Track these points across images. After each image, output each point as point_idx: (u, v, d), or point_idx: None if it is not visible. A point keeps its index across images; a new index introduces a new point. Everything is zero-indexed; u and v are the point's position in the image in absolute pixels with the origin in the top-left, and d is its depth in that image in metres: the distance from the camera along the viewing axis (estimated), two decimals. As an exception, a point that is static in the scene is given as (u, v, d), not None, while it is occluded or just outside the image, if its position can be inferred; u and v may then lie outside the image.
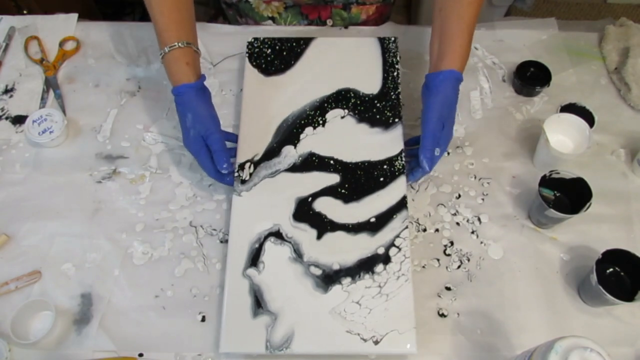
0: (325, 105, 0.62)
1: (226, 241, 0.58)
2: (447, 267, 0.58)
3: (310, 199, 0.56)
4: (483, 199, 0.62)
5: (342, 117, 0.62)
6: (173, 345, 0.53)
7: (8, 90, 0.71)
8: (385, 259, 0.53)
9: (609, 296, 0.50)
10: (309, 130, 0.61)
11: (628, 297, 0.51)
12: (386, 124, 0.61)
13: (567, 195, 0.59)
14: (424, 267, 0.57)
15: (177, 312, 0.55)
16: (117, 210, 0.61)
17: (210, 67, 0.72)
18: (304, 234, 0.54)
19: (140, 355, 0.53)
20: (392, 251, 0.53)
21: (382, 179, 0.57)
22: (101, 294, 0.56)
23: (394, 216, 0.55)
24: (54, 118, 0.65)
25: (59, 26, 0.76)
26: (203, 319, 0.54)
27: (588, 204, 0.55)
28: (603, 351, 0.39)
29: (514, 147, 0.66)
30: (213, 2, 0.86)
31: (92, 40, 0.75)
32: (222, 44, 0.74)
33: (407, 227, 0.55)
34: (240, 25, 0.77)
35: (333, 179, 0.57)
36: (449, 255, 0.58)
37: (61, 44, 0.74)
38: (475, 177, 0.64)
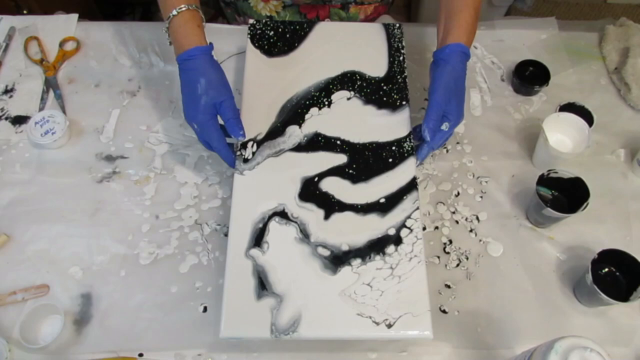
0: (331, 86, 0.61)
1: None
2: (446, 265, 0.58)
3: (316, 178, 0.54)
4: (482, 197, 0.62)
5: (348, 99, 0.60)
6: (174, 342, 0.53)
7: (8, 91, 0.71)
8: (397, 240, 0.51)
9: (603, 296, 0.50)
10: (314, 110, 0.59)
11: (623, 298, 0.51)
12: (393, 107, 0.60)
13: (565, 194, 0.59)
14: (423, 264, 0.58)
15: (179, 307, 0.55)
16: (123, 212, 0.61)
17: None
18: (311, 214, 0.52)
19: (140, 355, 0.52)
20: (404, 232, 0.52)
21: (390, 160, 0.56)
22: (101, 293, 0.55)
23: (404, 197, 0.53)
24: (57, 119, 0.65)
25: (59, 26, 0.75)
26: (205, 310, 0.54)
27: (585, 203, 0.55)
28: (603, 351, 0.39)
29: (512, 146, 0.66)
30: (213, 2, 0.86)
31: (93, 40, 0.74)
32: (225, 42, 0.73)
33: (418, 208, 0.53)
34: (240, 25, 0.77)
35: (340, 159, 0.56)
36: (448, 253, 0.58)
37: (61, 44, 0.74)
38: (473, 176, 0.64)
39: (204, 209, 0.61)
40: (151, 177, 0.63)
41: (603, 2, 1.41)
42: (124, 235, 0.59)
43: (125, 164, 0.64)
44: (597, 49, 0.74)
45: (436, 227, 0.60)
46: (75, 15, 0.76)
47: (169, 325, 0.54)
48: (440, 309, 0.55)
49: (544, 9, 1.40)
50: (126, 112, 0.68)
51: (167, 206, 0.61)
